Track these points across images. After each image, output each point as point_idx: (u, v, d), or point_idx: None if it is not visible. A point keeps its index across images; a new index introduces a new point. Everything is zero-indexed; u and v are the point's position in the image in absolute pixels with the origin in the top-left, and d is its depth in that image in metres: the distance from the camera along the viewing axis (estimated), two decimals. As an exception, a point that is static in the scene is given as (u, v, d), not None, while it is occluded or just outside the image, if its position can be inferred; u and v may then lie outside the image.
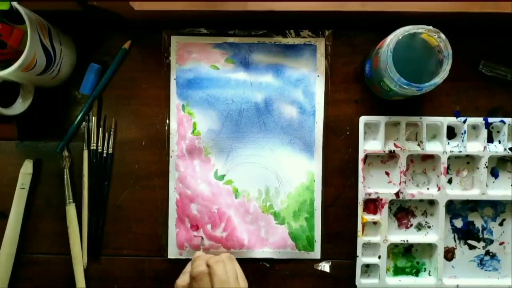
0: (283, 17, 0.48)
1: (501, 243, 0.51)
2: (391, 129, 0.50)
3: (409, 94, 0.44)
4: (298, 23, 0.50)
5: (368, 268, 0.50)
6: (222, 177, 0.51)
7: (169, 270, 0.51)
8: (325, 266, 0.51)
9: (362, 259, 0.49)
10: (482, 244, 0.51)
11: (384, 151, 0.49)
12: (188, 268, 0.45)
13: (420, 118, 0.49)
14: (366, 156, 0.49)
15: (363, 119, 0.49)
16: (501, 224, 0.51)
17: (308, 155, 0.50)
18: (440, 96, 0.51)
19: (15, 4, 0.41)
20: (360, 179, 0.49)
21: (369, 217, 0.50)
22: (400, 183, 0.49)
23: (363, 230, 0.49)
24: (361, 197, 0.49)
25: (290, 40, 0.50)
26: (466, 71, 0.51)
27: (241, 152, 0.51)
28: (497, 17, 0.46)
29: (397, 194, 0.49)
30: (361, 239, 0.49)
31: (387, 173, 0.51)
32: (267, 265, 0.51)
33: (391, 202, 0.50)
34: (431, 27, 0.41)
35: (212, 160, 0.51)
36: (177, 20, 0.50)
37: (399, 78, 0.41)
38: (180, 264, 0.50)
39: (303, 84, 0.50)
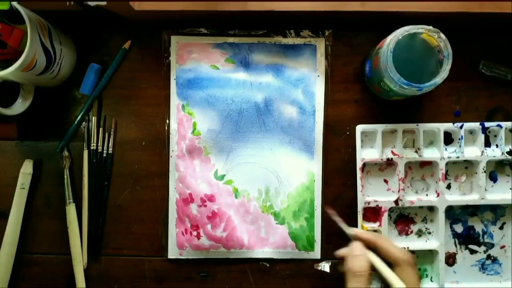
0: (283, 17, 0.48)
1: (502, 247, 0.51)
2: (388, 136, 0.50)
3: (409, 94, 0.44)
4: (298, 23, 0.50)
5: None
6: (222, 177, 0.51)
7: (169, 270, 0.51)
8: (325, 266, 0.51)
9: None
10: (483, 248, 0.51)
11: (382, 159, 0.49)
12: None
13: (417, 125, 0.49)
14: (364, 165, 0.49)
15: (359, 128, 0.48)
16: (501, 227, 0.51)
17: (308, 155, 0.50)
18: (440, 96, 0.51)
19: (15, 4, 0.41)
20: (359, 187, 0.49)
21: (369, 225, 0.49)
22: (399, 191, 0.49)
23: None
24: (360, 206, 0.49)
25: (290, 40, 0.50)
26: (466, 71, 0.51)
27: (241, 152, 0.50)
28: (497, 17, 0.46)
29: (396, 201, 0.49)
30: None
31: (385, 181, 0.50)
32: (267, 265, 0.51)
33: (391, 210, 0.50)
34: (431, 27, 0.41)
35: (212, 160, 0.50)
36: (177, 20, 0.50)
37: (399, 78, 0.41)
38: (180, 264, 0.51)
39: (303, 84, 0.50)
